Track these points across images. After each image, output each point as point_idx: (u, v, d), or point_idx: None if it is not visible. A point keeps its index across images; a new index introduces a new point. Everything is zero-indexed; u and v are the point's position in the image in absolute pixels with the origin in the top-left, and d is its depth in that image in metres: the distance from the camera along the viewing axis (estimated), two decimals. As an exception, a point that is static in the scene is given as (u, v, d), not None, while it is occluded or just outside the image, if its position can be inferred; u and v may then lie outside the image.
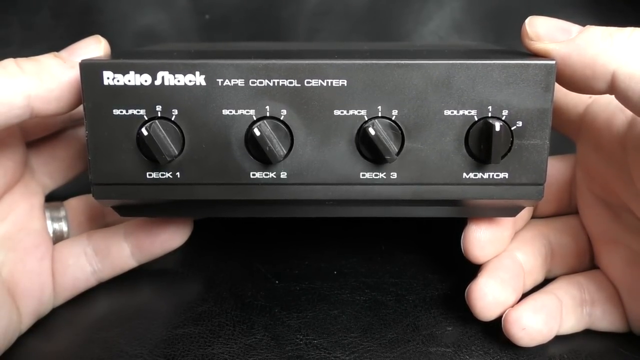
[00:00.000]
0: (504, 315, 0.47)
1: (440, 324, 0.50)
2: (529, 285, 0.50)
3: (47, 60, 0.43)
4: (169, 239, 0.52)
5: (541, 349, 0.47)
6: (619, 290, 0.48)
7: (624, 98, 0.40)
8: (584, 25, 0.42)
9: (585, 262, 0.52)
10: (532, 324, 0.46)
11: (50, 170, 0.54)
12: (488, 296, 0.47)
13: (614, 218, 0.48)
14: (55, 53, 0.44)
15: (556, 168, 0.53)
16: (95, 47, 0.45)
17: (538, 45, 0.43)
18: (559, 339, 0.48)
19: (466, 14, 0.77)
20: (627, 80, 0.39)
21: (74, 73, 0.43)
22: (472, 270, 0.54)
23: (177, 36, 0.77)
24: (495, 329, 0.48)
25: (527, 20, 0.44)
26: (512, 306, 0.47)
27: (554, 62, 0.41)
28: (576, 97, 0.49)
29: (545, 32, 0.43)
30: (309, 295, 0.53)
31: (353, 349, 0.47)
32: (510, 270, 0.49)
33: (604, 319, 0.48)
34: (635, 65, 0.39)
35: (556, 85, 0.45)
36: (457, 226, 0.52)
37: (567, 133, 0.51)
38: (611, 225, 0.49)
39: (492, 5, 0.75)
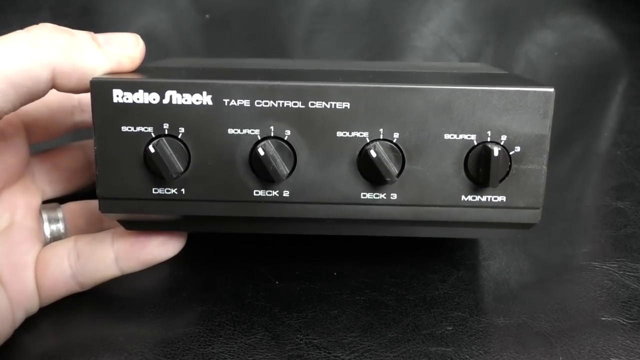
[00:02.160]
0: None
1: (441, 324, 0.50)
2: None
3: (82, 38, 0.43)
4: (160, 246, 0.50)
5: (543, 349, 0.47)
6: None
7: None
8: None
9: None
10: None
11: (50, 179, 0.54)
12: None
13: None
14: (93, 34, 0.44)
15: None
16: (133, 45, 0.45)
17: None
18: (562, 336, 0.48)
19: (466, 14, 0.77)
20: None
21: (104, 61, 0.44)
22: (473, 270, 0.55)
23: (177, 36, 0.77)
24: (495, 329, 0.49)
25: None
26: None
27: (552, 89, 0.42)
28: None
29: None
30: (309, 295, 0.53)
31: (353, 348, 0.47)
32: None
33: None
34: None
35: None
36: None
37: None
38: None
39: (493, 5, 0.75)
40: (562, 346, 0.48)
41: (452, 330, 0.49)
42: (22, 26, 0.43)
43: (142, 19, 0.75)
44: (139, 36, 0.46)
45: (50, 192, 0.54)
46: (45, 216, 0.53)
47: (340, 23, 0.79)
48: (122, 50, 0.45)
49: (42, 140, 0.53)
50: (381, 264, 0.58)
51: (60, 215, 0.53)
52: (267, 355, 0.46)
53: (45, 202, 0.54)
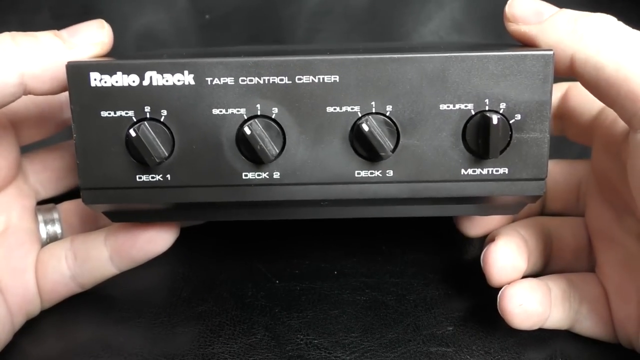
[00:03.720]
0: (500, 293, 0.46)
1: (441, 324, 0.49)
2: (530, 264, 0.50)
3: (45, 38, 0.42)
4: (150, 242, 0.49)
5: (542, 349, 0.47)
6: (609, 292, 0.48)
7: (582, 82, 0.41)
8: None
9: (581, 263, 0.51)
10: (529, 301, 0.46)
11: (42, 179, 0.53)
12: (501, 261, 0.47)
13: (617, 219, 0.48)
14: (56, 32, 0.43)
15: (566, 169, 0.54)
16: (97, 31, 0.44)
17: (513, 26, 0.44)
18: (562, 337, 0.48)
19: (466, 14, 0.77)
20: (582, 64, 0.40)
21: (72, 54, 0.42)
22: (473, 270, 0.54)
23: (177, 36, 0.77)
24: (495, 329, 0.48)
25: (508, 2, 0.44)
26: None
27: (551, 52, 0.40)
28: (589, 102, 0.49)
29: (521, 14, 0.43)
30: (310, 295, 0.53)
31: (353, 348, 0.46)
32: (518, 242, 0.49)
33: (589, 319, 0.47)
34: (590, 50, 0.40)
35: (571, 90, 0.47)
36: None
37: (583, 139, 0.51)
38: (612, 225, 0.48)
39: (492, 6, 0.76)
40: (562, 348, 0.47)
41: (452, 330, 0.49)
42: (21, 26, 0.42)
43: (142, 19, 0.76)
44: (103, 20, 0.45)
45: (44, 192, 0.54)
46: (41, 217, 0.52)
47: (340, 22, 0.79)
48: (89, 38, 0.44)
49: (34, 140, 0.52)
50: (381, 263, 0.57)
51: (56, 216, 0.53)
52: (268, 356, 0.46)
53: (40, 203, 0.54)
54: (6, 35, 0.42)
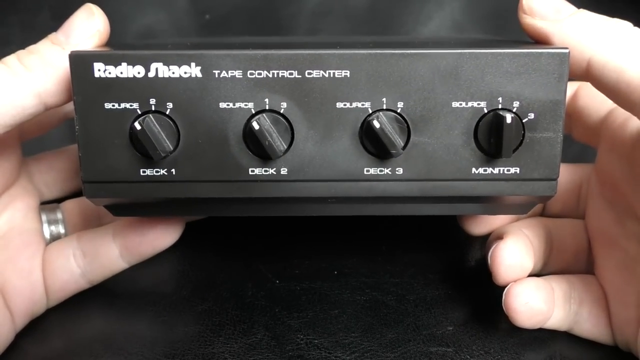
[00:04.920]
0: (505, 290, 0.46)
1: (441, 324, 0.49)
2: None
3: (46, 51, 0.42)
4: (158, 238, 0.50)
5: (542, 350, 0.47)
6: (608, 294, 0.48)
7: (599, 85, 0.41)
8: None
9: (580, 264, 0.51)
10: (534, 299, 0.46)
11: (47, 179, 0.54)
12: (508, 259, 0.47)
13: (618, 221, 0.48)
14: (53, 38, 0.43)
15: (568, 172, 0.53)
16: (89, 22, 0.43)
17: (528, 19, 0.43)
18: (562, 338, 0.48)
19: (466, 14, 0.77)
20: (600, 68, 0.40)
21: None
22: (473, 270, 0.55)
23: (177, 36, 0.77)
24: (495, 329, 0.49)
25: None
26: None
27: (567, 50, 0.40)
28: (598, 103, 0.49)
29: (539, 8, 0.42)
30: (310, 295, 0.52)
31: (354, 348, 0.46)
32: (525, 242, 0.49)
33: (589, 321, 0.47)
34: (611, 53, 0.39)
35: (580, 90, 0.46)
36: (458, 225, 0.54)
37: (589, 139, 0.51)
38: (613, 228, 0.48)
39: (492, 6, 0.76)
40: (562, 349, 0.47)
41: (452, 330, 0.49)
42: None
43: (142, 19, 0.76)
44: (90, 5, 0.44)
45: (48, 193, 0.54)
46: (44, 217, 0.52)
47: (340, 23, 0.80)
48: (84, 33, 0.43)
49: (37, 135, 0.52)
50: (382, 263, 0.57)
51: (59, 216, 0.53)
52: (268, 356, 0.46)
53: (43, 203, 0.54)
54: (12, 58, 0.41)
